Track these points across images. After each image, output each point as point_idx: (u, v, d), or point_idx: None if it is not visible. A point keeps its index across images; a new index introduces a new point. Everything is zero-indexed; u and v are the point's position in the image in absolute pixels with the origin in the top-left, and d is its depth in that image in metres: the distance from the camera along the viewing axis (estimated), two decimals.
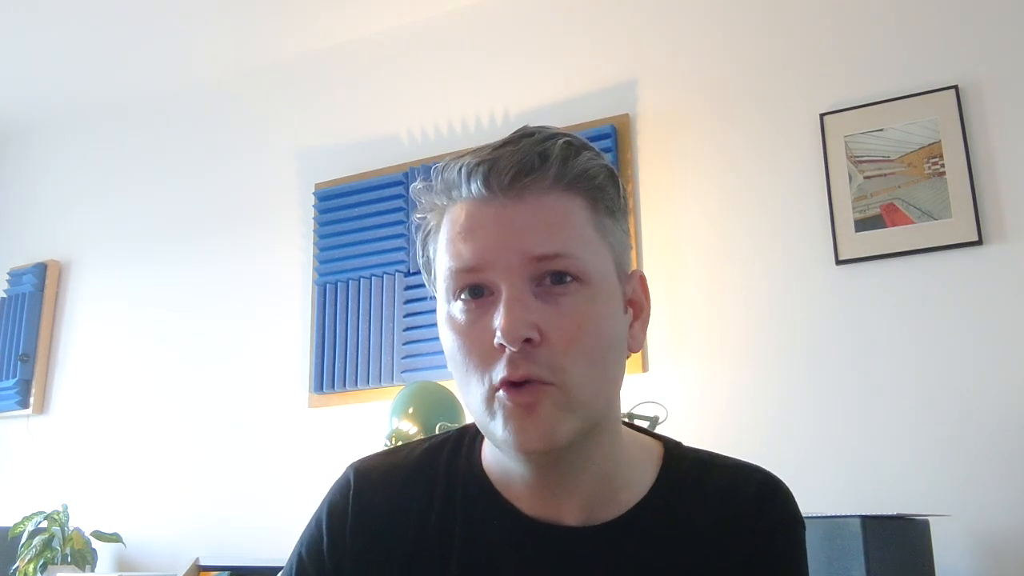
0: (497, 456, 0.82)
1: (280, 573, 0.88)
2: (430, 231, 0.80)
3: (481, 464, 0.84)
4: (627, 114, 2.51)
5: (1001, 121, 2.09)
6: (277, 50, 3.10)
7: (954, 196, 2.08)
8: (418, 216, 0.81)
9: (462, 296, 0.75)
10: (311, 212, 2.90)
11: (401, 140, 2.85)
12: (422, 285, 2.62)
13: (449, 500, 0.83)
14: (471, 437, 0.87)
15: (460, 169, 0.76)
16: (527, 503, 0.81)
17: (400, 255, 2.70)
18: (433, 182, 0.79)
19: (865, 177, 2.19)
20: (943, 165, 2.11)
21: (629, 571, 0.79)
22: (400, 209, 2.73)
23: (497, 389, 0.73)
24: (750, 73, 2.40)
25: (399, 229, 2.72)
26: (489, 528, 0.81)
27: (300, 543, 0.86)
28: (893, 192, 2.15)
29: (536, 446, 0.72)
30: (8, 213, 3.61)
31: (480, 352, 0.73)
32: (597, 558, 0.79)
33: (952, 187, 2.09)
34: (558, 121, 2.56)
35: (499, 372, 0.72)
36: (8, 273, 3.45)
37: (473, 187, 0.75)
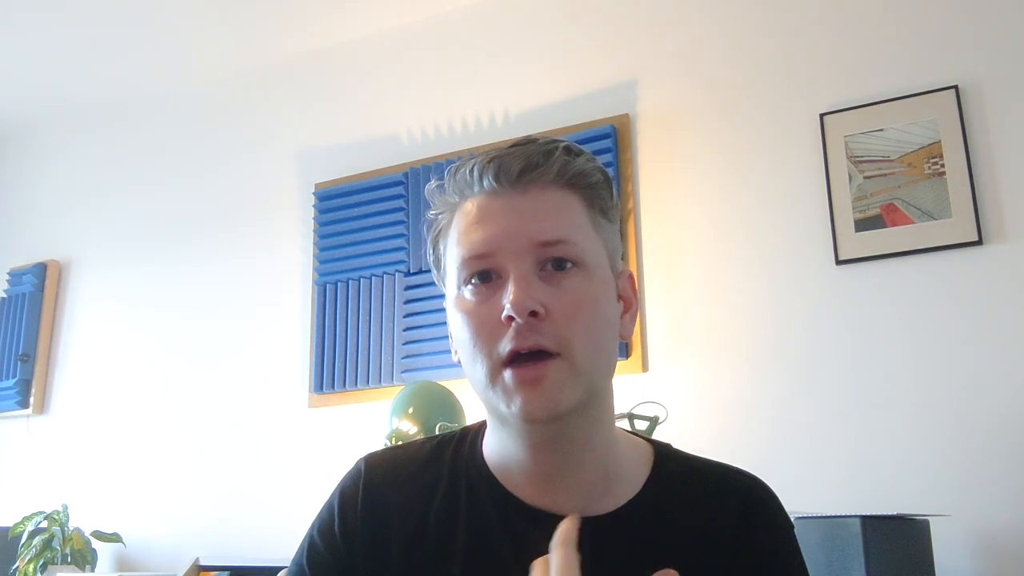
0: (498, 448, 0.87)
1: (292, 558, 0.91)
2: (441, 229, 0.87)
3: (483, 457, 0.88)
4: (627, 114, 2.51)
5: (1001, 121, 2.09)
6: (277, 50, 3.10)
7: (954, 196, 2.08)
8: (431, 214, 0.89)
9: (472, 281, 0.82)
10: (311, 212, 2.90)
11: (401, 140, 2.85)
12: (422, 285, 2.62)
13: (453, 489, 0.88)
14: (474, 434, 0.92)
15: (472, 168, 0.84)
16: (526, 492, 0.85)
17: (400, 255, 2.70)
18: (445, 182, 0.87)
19: (865, 177, 2.19)
20: (943, 165, 2.11)
21: (624, 563, 0.83)
22: (400, 209, 2.73)
23: (504, 364, 0.79)
24: (750, 73, 2.40)
25: (399, 229, 2.72)
26: (490, 515, 0.85)
27: (312, 527, 0.91)
28: (893, 192, 2.16)
29: (541, 414, 0.78)
30: (8, 213, 3.61)
31: (488, 328, 0.80)
32: (594, 548, 0.82)
33: (952, 187, 2.09)
34: (558, 121, 2.57)
35: (506, 345, 0.78)
36: (8, 273, 3.45)
37: (485, 182, 0.83)
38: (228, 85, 3.24)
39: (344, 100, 3.00)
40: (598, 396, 0.83)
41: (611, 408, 0.87)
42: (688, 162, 2.42)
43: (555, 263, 0.81)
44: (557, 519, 0.81)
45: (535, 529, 0.82)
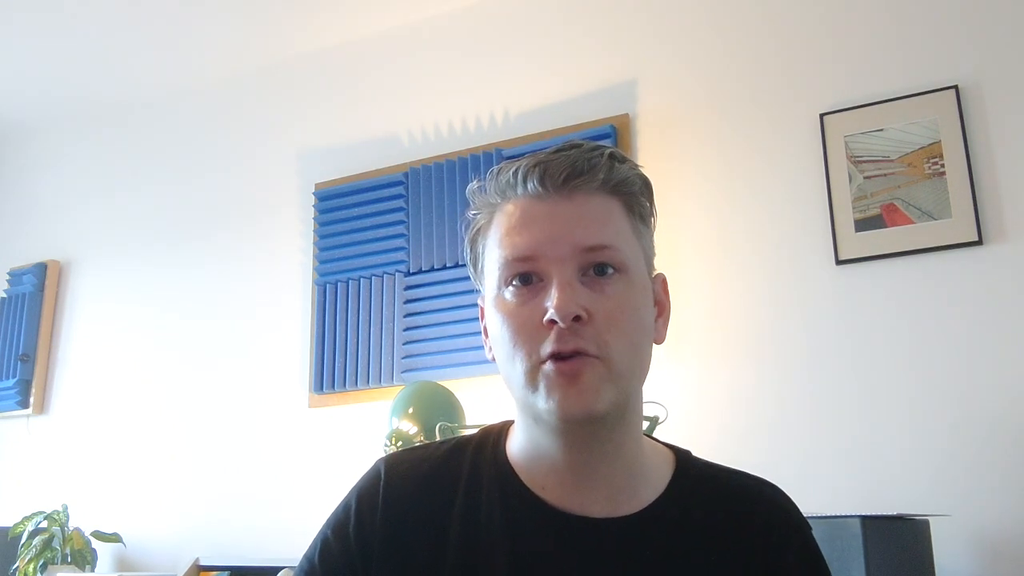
0: (528, 446, 0.87)
1: (303, 556, 0.90)
2: (480, 228, 0.89)
3: (507, 458, 0.89)
4: (627, 114, 2.51)
5: (1001, 121, 2.09)
6: (277, 50, 3.10)
7: (954, 196, 2.08)
8: (470, 213, 0.90)
9: (513, 282, 0.83)
10: (311, 212, 2.90)
11: (401, 140, 2.85)
12: (422, 285, 2.62)
13: (474, 492, 0.88)
14: (496, 435, 0.92)
15: (516, 171, 0.85)
16: (552, 494, 0.85)
17: (400, 255, 2.70)
18: (487, 184, 0.88)
19: (865, 177, 2.19)
20: (943, 165, 2.11)
21: (649, 564, 0.83)
22: (400, 209, 2.73)
23: (543, 362, 0.80)
24: (750, 73, 2.40)
25: (399, 229, 2.72)
26: (513, 517, 0.85)
27: (326, 526, 0.91)
28: (893, 192, 2.16)
29: (578, 411, 0.79)
30: (8, 213, 3.61)
31: (528, 330, 0.81)
32: (619, 550, 0.84)
33: (952, 187, 2.09)
34: (558, 121, 2.57)
35: (547, 347, 0.79)
36: (8, 273, 3.45)
37: (529, 186, 0.84)
38: (228, 85, 3.24)
39: (344, 100, 3.00)
40: (631, 400, 0.85)
41: (640, 412, 0.89)
42: (688, 162, 2.41)
43: (597, 268, 0.82)
44: (582, 521, 0.84)
45: (560, 531, 0.84)
